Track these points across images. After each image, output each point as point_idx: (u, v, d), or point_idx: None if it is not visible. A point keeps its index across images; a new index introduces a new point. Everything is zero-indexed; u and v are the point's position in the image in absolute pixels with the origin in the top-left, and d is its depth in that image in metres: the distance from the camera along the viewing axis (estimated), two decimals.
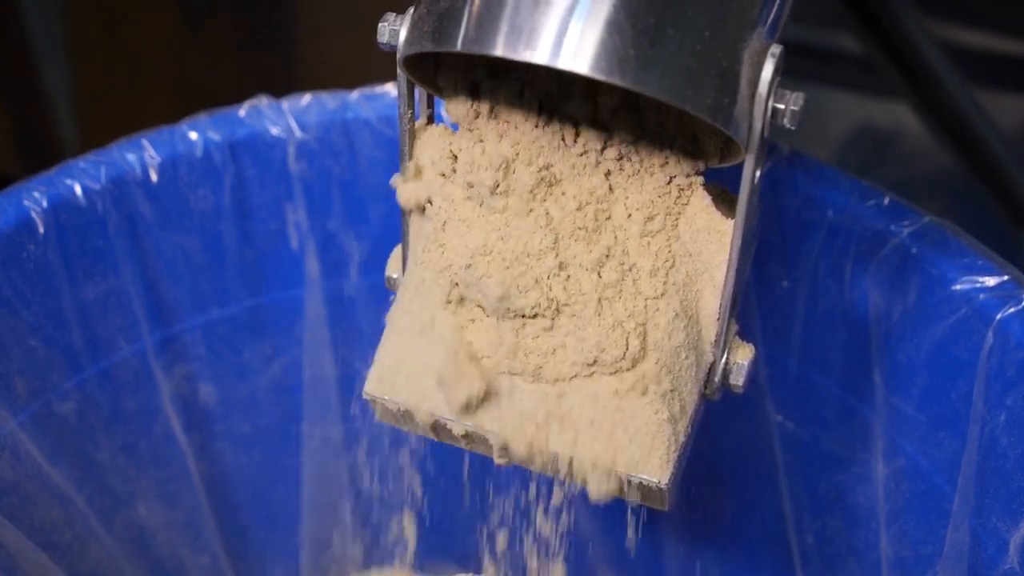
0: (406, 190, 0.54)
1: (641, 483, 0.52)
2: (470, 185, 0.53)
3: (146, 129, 0.69)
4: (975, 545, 0.61)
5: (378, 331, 0.55)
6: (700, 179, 0.53)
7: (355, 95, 0.72)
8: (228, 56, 1.12)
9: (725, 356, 0.54)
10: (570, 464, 0.52)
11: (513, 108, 0.53)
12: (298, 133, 0.71)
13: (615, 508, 0.73)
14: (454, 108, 0.53)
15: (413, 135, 0.54)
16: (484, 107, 0.53)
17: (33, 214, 0.65)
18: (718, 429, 0.71)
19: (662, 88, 0.45)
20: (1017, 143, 1.03)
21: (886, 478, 0.67)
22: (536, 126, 0.53)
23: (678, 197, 0.53)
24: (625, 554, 0.77)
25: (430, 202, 0.54)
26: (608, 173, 0.53)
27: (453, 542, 0.83)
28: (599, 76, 0.45)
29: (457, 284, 0.53)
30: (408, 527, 0.78)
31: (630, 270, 0.52)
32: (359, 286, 0.75)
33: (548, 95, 0.53)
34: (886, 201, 0.64)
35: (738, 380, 0.54)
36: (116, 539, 0.72)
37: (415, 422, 0.54)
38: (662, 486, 0.51)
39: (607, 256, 0.52)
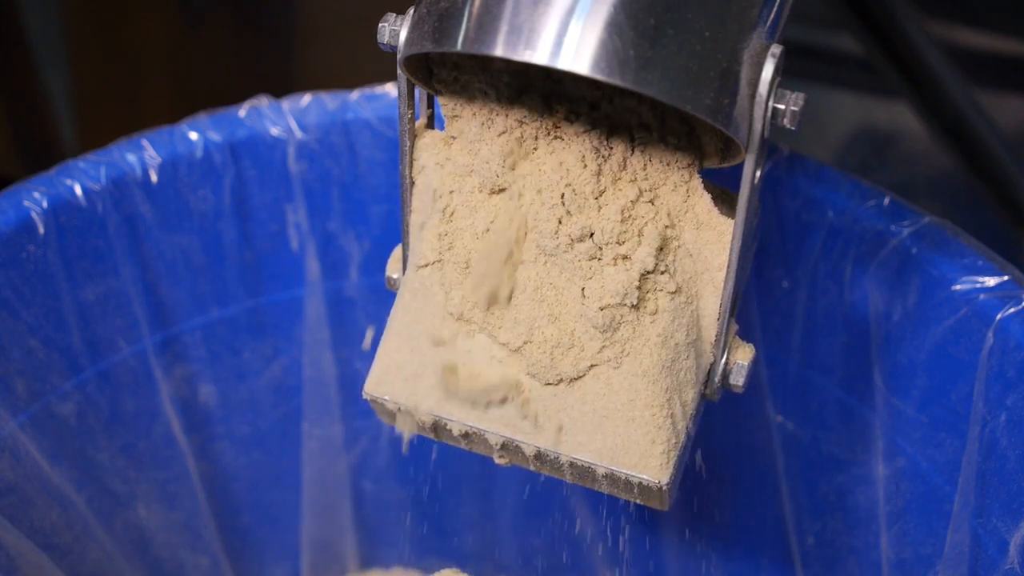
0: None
1: (641, 483, 0.52)
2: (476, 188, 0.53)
3: (146, 129, 0.69)
4: (975, 546, 0.61)
5: (378, 331, 0.55)
6: (700, 179, 0.53)
7: (355, 95, 0.72)
8: (228, 56, 1.12)
9: (725, 356, 0.54)
10: (570, 464, 0.53)
11: (513, 108, 0.53)
12: (298, 134, 0.71)
13: (615, 508, 0.73)
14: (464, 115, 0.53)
15: (413, 135, 0.54)
16: (482, 109, 0.53)
17: (33, 214, 0.65)
18: (718, 429, 0.71)
19: (662, 89, 0.45)
20: (1017, 143, 1.03)
21: (886, 479, 0.67)
22: (539, 127, 0.53)
23: (679, 197, 0.53)
24: (625, 554, 0.77)
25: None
26: (609, 173, 0.53)
27: (454, 541, 0.83)
28: (599, 76, 0.45)
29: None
30: (408, 526, 0.78)
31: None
32: (359, 286, 0.75)
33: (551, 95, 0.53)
34: (886, 202, 0.64)
35: (738, 380, 0.54)
36: (116, 540, 0.72)
37: (415, 422, 0.54)
38: (662, 486, 0.51)
39: (608, 256, 0.52)
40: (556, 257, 0.52)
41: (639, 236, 0.52)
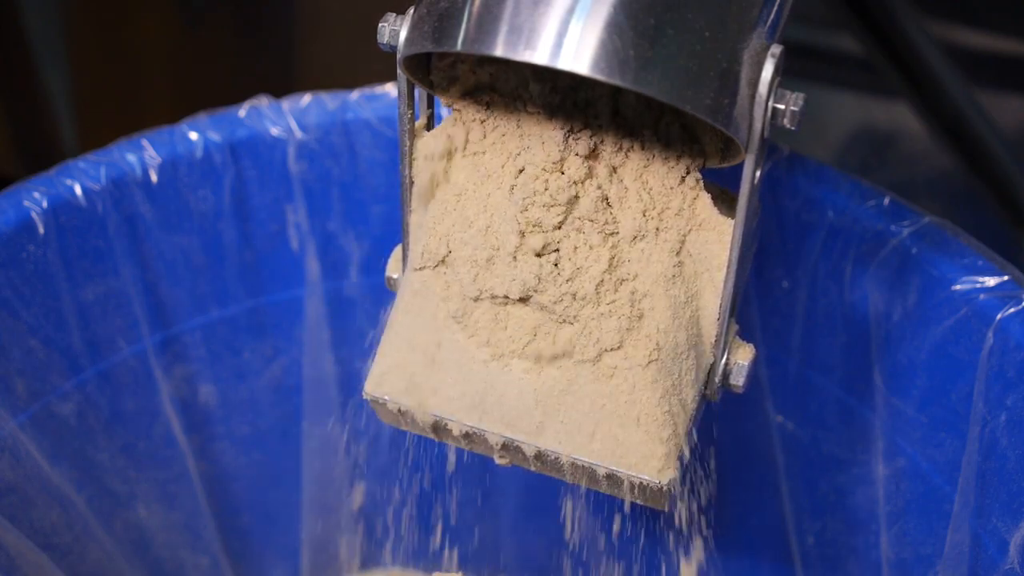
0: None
1: (642, 484, 0.52)
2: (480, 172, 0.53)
3: (146, 129, 0.69)
4: (975, 546, 0.61)
5: (378, 331, 0.55)
6: (700, 180, 0.53)
7: (355, 95, 0.72)
8: (228, 56, 1.12)
9: (725, 356, 0.54)
10: (571, 464, 0.52)
11: (513, 108, 0.53)
12: (298, 134, 0.71)
13: (615, 508, 0.73)
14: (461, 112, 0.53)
15: (413, 135, 0.54)
16: (484, 113, 0.53)
17: (33, 214, 0.65)
18: (718, 429, 0.71)
19: (662, 89, 0.45)
20: (1017, 143, 1.03)
21: (886, 479, 0.67)
22: (540, 127, 0.53)
23: (679, 196, 0.53)
24: (625, 553, 0.77)
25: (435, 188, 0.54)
26: (610, 171, 0.53)
27: (453, 541, 0.83)
28: (599, 77, 0.45)
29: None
30: (408, 526, 0.78)
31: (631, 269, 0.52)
32: (359, 286, 0.75)
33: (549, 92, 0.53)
34: (886, 202, 0.64)
35: (738, 380, 0.54)
36: (116, 540, 0.72)
37: (415, 422, 0.54)
38: (663, 487, 0.51)
39: (609, 254, 0.52)
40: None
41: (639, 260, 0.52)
